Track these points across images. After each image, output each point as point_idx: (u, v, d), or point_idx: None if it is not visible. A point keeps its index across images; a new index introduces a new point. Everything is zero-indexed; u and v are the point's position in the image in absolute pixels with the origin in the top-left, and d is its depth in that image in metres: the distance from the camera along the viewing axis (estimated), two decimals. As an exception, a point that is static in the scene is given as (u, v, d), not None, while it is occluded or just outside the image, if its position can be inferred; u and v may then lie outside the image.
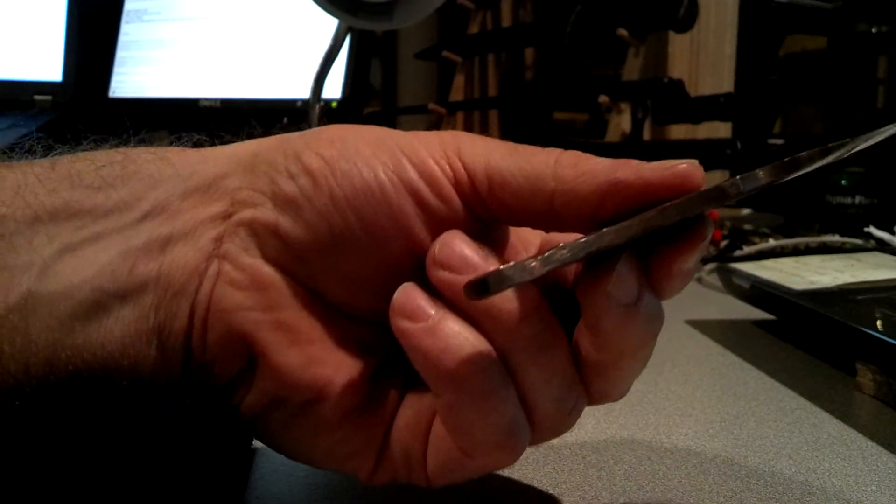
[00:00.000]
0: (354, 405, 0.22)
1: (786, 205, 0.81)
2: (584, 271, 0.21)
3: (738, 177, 0.19)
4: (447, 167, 0.21)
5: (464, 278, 0.19)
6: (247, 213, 0.21)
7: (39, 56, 0.97)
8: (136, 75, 1.01)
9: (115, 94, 1.01)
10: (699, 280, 0.61)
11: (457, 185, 0.21)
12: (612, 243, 0.19)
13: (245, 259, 0.21)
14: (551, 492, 0.25)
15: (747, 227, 0.75)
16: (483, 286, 0.18)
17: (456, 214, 0.21)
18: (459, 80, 1.21)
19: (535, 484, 0.25)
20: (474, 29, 1.21)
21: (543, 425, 0.22)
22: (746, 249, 0.63)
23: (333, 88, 0.97)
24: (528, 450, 0.28)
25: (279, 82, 0.98)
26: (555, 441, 0.29)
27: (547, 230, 0.24)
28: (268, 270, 0.21)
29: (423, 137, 0.22)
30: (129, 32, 1.03)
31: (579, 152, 0.21)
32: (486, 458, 0.21)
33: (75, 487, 0.20)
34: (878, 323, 0.36)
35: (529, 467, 0.27)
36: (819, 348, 0.41)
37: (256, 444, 0.28)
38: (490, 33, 1.20)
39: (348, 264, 0.21)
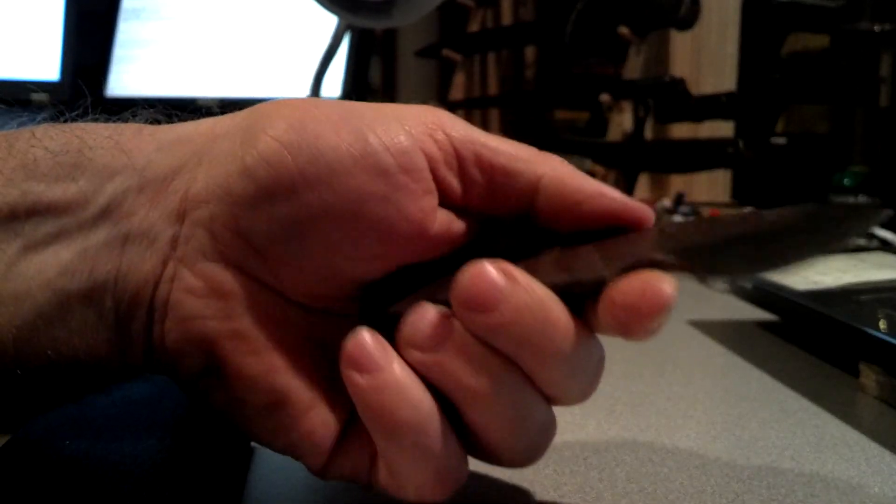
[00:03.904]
0: (313, 405, 0.22)
1: (789, 204, 0.80)
2: None
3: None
4: (428, 140, 0.21)
5: (433, 357, 0.20)
6: (203, 212, 0.21)
7: (37, 55, 0.97)
8: (134, 74, 1.01)
9: (112, 94, 1.01)
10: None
11: (443, 157, 0.21)
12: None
13: (202, 264, 0.21)
14: (552, 493, 0.25)
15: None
16: None
17: (425, 191, 0.21)
18: (459, 79, 1.20)
19: (537, 486, 0.25)
20: (474, 27, 1.21)
21: (506, 451, 0.22)
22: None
23: (333, 87, 0.96)
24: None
25: (278, 81, 0.98)
26: (556, 442, 0.29)
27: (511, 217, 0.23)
28: (226, 275, 0.21)
29: (401, 113, 0.22)
30: (127, 31, 1.03)
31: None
32: (416, 495, 0.22)
33: (75, 487, 0.20)
34: (882, 323, 0.36)
35: (530, 469, 0.26)
36: (822, 349, 0.41)
37: (256, 444, 0.28)
38: (490, 31, 1.20)
39: (312, 253, 0.21)
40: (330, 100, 0.22)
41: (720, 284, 0.23)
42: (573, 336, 0.20)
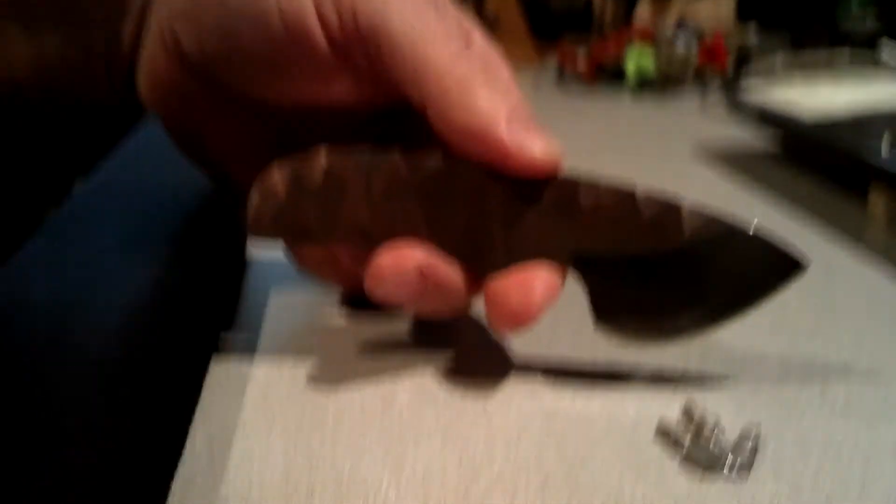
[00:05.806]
0: (244, 163, 0.25)
1: (793, 21, 0.77)
2: None
3: None
4: (333, 16, 0.21)
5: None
6: (155, 17, 0.24)
7: None
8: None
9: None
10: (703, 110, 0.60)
11: (343, 38, 0.21)
12: None
13: (152, 48, 0.24)
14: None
15: (752, 43, 0.72)
16: None
17: (324, 63, 0.22)
18: None
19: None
20: None
21: None
22: (754, 67, 0.61)
23: None
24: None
25: None
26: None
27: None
28: (167, 64, 0.24)
29: None
30: None
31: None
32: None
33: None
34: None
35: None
36: (831, 176, 0.41)
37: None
38: None
39: (236, 73, 0.23)
40: None
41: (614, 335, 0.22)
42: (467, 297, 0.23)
